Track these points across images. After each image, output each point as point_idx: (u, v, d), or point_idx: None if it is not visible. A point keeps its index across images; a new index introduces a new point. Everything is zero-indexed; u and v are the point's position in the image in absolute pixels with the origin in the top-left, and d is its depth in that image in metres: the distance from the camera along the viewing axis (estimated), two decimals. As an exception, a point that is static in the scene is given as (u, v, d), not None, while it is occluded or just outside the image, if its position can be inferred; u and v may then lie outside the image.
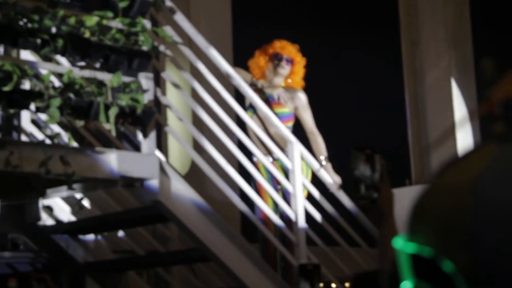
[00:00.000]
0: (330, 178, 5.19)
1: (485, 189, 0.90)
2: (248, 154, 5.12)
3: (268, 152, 5.25)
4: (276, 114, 5.25)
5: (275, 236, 5.00)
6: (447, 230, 0.90)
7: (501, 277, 0.87)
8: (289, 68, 5.42)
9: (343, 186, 5.17)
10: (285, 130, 5.09)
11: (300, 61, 5.46)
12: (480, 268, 0.88)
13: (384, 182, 2.21)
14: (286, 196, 5.12)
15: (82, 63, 4.15)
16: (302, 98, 5.40)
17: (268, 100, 5.37)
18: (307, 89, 5.52)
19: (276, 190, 5.17)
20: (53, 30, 3.97)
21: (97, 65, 4.21)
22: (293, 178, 5.02)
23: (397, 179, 7.45)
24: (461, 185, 0.92)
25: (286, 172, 5.14)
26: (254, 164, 5.22)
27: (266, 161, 5.08)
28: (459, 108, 7.78)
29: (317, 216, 5.06)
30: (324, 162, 5.25)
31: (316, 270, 3.14)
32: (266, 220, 5.08)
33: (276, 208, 5.13)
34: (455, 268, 0.89)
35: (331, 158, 5.39)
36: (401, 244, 0.95)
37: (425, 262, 0.92)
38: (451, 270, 0.90)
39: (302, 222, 4.95)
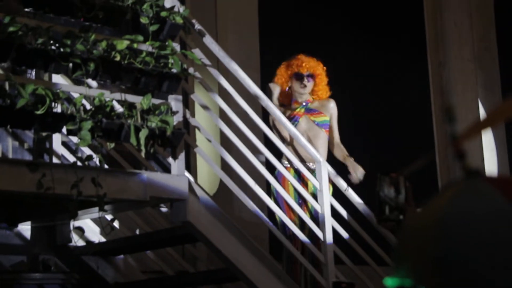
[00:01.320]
0: (354, 168, 5.23)
1: (449, 222, 1.00)
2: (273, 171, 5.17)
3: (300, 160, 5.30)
4: (317, 122, 5.34)
5: (302, 254, 5.02)
6: (420, 261, 1.01)
7: None
8: (312, 83, 5.47)
9: (371, 207, 5.19)
10: (313, 150, 5.13)
11: (322, 73, 5.49)
12: None
13: (409, 204, 2.24)
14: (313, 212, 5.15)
15: (113, 86, 4.23)
16: (334, 107, 5.47)
17: (309, 111, 5.43)
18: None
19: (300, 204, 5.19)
20: (85, 54, 4.05)
21: (128, 87, 4.28)
22: (321, 197, 5.05)
23: (424, 198, 7.43)
24: (429, 220, 1.03)
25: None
26: (280, 178, 5.25)
27: (295, 182, 5.11)
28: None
29: (345, 234, 5.08)
30: (349, 157, 5.31)
31: None
32: (294, 237, 5.10)
33: (302, 225, 5.15)
34: None
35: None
36: (388, 281, 1.06)
37: None
38: None
39: (330, 241, 4.97)
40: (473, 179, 1.09)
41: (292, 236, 5.11)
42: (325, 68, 5.53)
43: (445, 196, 1.07)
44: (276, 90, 5.45)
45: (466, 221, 1.00)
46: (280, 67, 5.53)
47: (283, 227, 5.11)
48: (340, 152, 5.44)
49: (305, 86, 5.41)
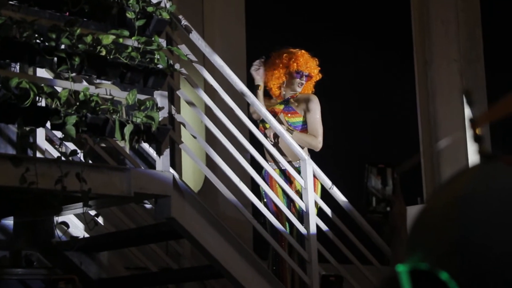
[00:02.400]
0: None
1: (468, 202, 0.97)
2: (260, 169, 5.15)
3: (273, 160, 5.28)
4: (290, 123, 5.32)
5: (289, 254, 5.01)
6: (439, 243, 0.97)
7: (490, 279, 0.93)
8: (305, 83, 5.49)
9: (356, 204, 5.19)
10: (298, 148, 5.12)
11: (317, 76, 5.51)
12: (470, 272, 0.95)
13: (396, 197, 2.23)
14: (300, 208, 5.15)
15: (99, 81, 4.21)
16: (314, 102, 5.43)
17: (287, 109, 5.41)
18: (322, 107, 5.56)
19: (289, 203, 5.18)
20: (70, 48, 4.02)
21: (113, 82, 4.26)
22: (306, 195, 5.04)
23: (409, 197, 7.45)
24: (448, 202, 1.00)
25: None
26: (267, 177, 5.24)
27: (280, 179, 5.10)
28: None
29: (330, 233, 5.08)
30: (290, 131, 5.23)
31: (338, 282, 3.15)
32: (281, 237, 5.09)
33: (291, 226, 5.14)
34: (449, 275, 0.96)
35: (343, 175, 5.40)
36: (400, 267, 1.02)
37: (423, 275, 0.98)
38: (446, 278, 0.96)
39: (314, 239, 4.97)
40: (490, 162, 1.07)
41: (280, 236, 5.10)
42: (320, 75, 5.55)
43: (463, 179, 1.04)
44: (259, 76, 5.40)
45: (486, 201, 0.98)
46: (280, 55, 5.48)
47: (271, 228, 5.10)
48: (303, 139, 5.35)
49: (302, 84, 5.44)
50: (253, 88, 5.39)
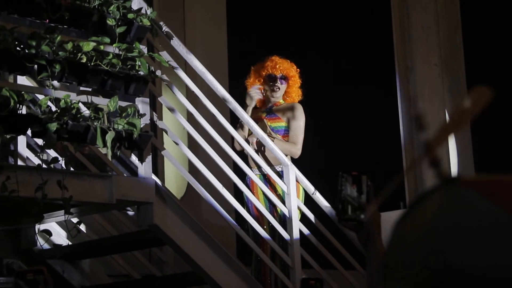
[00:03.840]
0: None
1: (439, 237, 0.96)
2: (243, 175, 5.15)
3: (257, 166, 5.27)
4: (272, 128, 5.32)
5: (272, 260, 5.01)
6: (415, 280, 0.97)
7: None
8: (285, 86, 5.43)
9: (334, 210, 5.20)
10: (280, 153, 5.12)
11: (295, 75, 5.46)
12: None
13: (371, 204, 2.24)
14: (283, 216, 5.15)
15: (79, 88, 4.19)
16: (297, 110, 5.40)
17: (270, 115, 5.41)
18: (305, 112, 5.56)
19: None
20: (50, 55, 4.01)
21: (94, 89, 4.25)
22: (289, 201, 5.05)
23: (392, 202, 7.47)
24: (418, 237, 0.98)
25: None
26: (249, 183, 5.23)
27: (262, 184, 5.11)
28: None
29: (313, 238, 5.08)
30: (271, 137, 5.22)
31: (318, 285, 3.15)
32: (263, 242, 5.09)
33: (273, 231, 5.14)
34: None
35: (325, 181, 5.41)
36: None
37: None
38: None
39: (297, 245, 4.97)
40: (453, 186, 1.04)
41: (261, 241, 5.09)
42: (298, 70, 5.51)
43: (430, 209, 1.02)
44: (254, 99, 5.38)
45: (459, 236, 0.96)
46: (253, 68, 5.49)
47: (254, 233, 5.09)
48: (282, 146, 5.33)
49: (278, 88, 5.37)
50: (234, 93, 5.39)
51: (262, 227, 5.06)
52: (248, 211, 5.13)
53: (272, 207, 5.21)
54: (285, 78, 5.38)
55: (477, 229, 0.96)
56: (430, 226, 0.98)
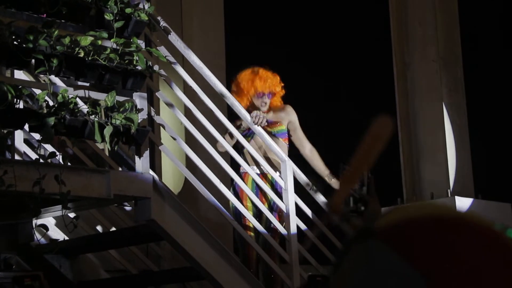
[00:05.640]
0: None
1: None
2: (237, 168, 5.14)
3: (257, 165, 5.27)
4: (274, 133, 5.30)
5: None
6: None
7: None
8: (270, 100, 5.48)
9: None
10: (278, 149, 5.12)
11: (280, 92, 5.50)
12: None
13: (371, 196, 2.24)
14: (273, 207, 5.15)
15: (77, 83, 4.19)
16: (291, 111, 5.44)
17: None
18: (297, 107, 5.56)
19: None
20: (48, 50, 4.00)
21: (92, 84, 4.24)
22: (286, 196, 5.04)
23: (389, 198, 7.47)
24: None
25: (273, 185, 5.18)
26: (241, 176, 5.21)
27: (256, 175, 5.10)
28: (449, 126, 7.84)
29: (310, 234, 5.08)
30: (331, 178, 5.28)
31: (325, 282, 3.15)
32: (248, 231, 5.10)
33: (259, 216, 5.14)
34: None
35: (322, 178, 5.41)
36: None
37: None
38: None
39: (295, 240, 4.97)
40: (368, 240, 1.03)
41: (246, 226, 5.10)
42: (282, 84, 5.52)
43: (352, 274, 1.01)
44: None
45: None
46: (241, 80, 5.44)
47: (237, 215, 5.08)
48: (321, 165, 5.38)
49: (265, 104, 5.41)
50: (230, 89, 5.38)
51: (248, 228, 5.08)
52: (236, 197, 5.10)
53: (261, 195, 5.18)
54: (272, 93, 5.42)
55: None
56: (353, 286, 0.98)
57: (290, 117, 5.43)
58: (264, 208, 5.01)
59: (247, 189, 5.01)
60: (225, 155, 5.00)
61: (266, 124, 5.24)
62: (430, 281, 0.94)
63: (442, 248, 0.97)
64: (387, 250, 0.98)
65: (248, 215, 4.98)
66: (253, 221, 4.97)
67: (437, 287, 0.94)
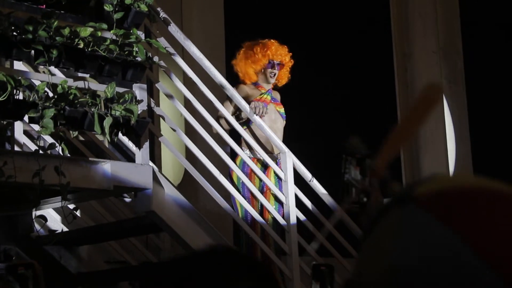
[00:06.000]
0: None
1: (397, 276, 0.92)
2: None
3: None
4: (281, 114, 5.35)
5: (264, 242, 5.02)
6: None
7: None
8: (278, 72, 5.48)
9: (335, 195, 5.19)
10: (278, 140, 5.12)
11: (289, 63, 5.50)
12: None
13: (374, 187, 2.23)
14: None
15: (77, 74, 4.18)
16: (278, 94, 5.52)
17: (273, 100, 5.43)
18: (297, 98, 5.57)
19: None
20: (47, 41, 3.99)
21: (92, 75, 4.24)
22: (286, 188, 5.04)
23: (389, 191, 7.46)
24: (377, 273, 0.94)
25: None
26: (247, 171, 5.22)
27: (258, 170, 5.10)
28: (449, 117, 7.84)
29: (310, 226, 5.08)
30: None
31: (329, 271, 3.14)
32: (255, 225, 5.10)
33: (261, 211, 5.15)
34: None
35: (322, 167, 5.41)
36: None
37: None
38: None
39: (294, 231, 4.97)
40: (406, 206, 0.97)
41: (252, 224, 5.10)
42: (292, 61, 5.53)
43: (384, 235, 0.96)
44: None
45: (413, 268, 0.92)
46: (253, 46, 5.46)
47: (245, 215, 5.09)
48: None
49: (275, 75, 5.42)
50: (231, 80, 5.37)
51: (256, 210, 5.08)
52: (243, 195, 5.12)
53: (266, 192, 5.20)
54: (281, 65, 5.43)
55: (431, 260, 0.91)
56: (387, 254, 0.94)
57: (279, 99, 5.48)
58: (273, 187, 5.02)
59: (256, 168, 5.03)
60: (224, 145, 4.99)
61: (267, 112, 5.25)
62: (473, 248, 0.91)
63: (486, 217, 0.94)
64: (426, 216, 0.93)
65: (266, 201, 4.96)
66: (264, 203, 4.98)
67: (481, 253, 0.90)
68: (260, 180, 5.14)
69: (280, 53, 5.43)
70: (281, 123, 5.41)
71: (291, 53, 5.53)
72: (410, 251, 0.91)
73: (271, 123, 5.31)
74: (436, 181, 0.98)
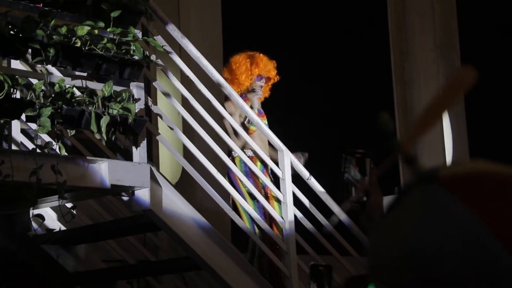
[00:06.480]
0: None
1: (417, 255, 0.91)
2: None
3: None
4: (266, 124, 5.33)
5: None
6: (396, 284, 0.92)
7: None
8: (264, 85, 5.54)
9: (333, 193, 5.19)
10: (275, 139, 5.12)
11: (275, 78, 5.55)
12: None
13: (373, 186, 2.23)
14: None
15: (74, 72, 4.17)
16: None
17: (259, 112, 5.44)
18: (295, 96, 5.57)
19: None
20: (44, 39, 3.98)
21: (89, 74, 4.23)
22: (284, 186, 5.04)
23: (387, 187, 7.47)
24: (396, 251, 0.93)
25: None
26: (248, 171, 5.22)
27: (258, 169, 5.10)
28: (447, 116, 7.84)
29: (308, 224, 5.08)
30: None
31: (327, 271, 3.14)
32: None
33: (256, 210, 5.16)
34: None
35: (319, 166, 5.41)
36: None
37: None
38: None
39: (292, 230, 4.97)
40: (429, 185, 0.96)
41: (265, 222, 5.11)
42: (278, 77, 5.57)
43: (406, 214, 0.95)
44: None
45: (437, 253, 0.90)
46: (242, 60, 5.47)
47: (250, 220, 5.10)
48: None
49: (261, 87, 5.49)
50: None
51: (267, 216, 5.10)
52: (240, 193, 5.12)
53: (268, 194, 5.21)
54: (268, 79, 5.49)
55: (451, 242, 0.90)
56: (405, 235, 0.93)
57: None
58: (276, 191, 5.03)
59: (257, 170, 5.03)
60: (222, 144, 4.98)
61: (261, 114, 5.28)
62: (491, 228, 0.90)
63: (508, 199, 0.93)
64: (450, 197, 0.92)
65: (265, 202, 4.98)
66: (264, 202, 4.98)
67: (502, 238, 0.90)
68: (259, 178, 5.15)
69: (269, 68, 5.49)
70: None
71: (276, 70, 5.56)
72: (431, 232, 0.90)
73: (260, 136, 5.31)
74: (461, 165, 0.97)
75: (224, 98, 5.40)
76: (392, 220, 0.96)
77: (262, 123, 5.13)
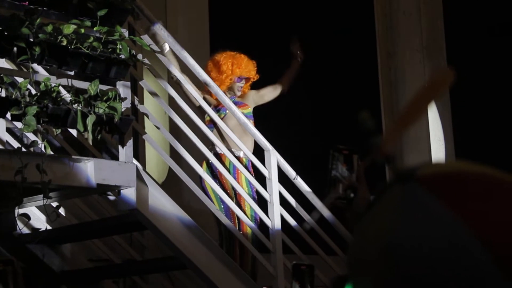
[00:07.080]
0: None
1: (396, 253, 0.91)
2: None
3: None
4: (245, 114, 5.32)
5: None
6: (377, 281, 0.93)
7: None
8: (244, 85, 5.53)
9: (320, 191, 5.19)
10: (262, 138, 5.12)
11: (254, 78, 5.55)
12: None
13: (361, 183, 2.23)
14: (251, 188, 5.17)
15: (60, 71, 4.15)
16: (254, 91, 5.53)
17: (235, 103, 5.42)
18: (281, 96, 5.58)
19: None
20: (30, 38, 3.96)
21: (75, 73, 4.21)
22: (270, 185, 5.04)
23: (373, 186, 7.48)
24: (374, 251, 0.94)
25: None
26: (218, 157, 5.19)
27: (243, 168, 5.10)
28: (433, 116, 7.87)
29: (294, 223, 5.08)
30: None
31: (309, 270, 3.14)
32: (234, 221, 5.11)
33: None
34: None
35: (306, 165, 5.41)
36: None
37: None
38: None
39: (278, 229, 4.97)
40: (408, 184, 0.97)
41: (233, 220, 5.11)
42: (257, 76, 5.57)
43: (385, 212, 0.96)
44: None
45: (416, 250, 0.91)
46: (224, 60, 5.45)
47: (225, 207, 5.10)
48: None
49: (241, 88, 5.48)
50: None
51: (242, 209, 5.08)
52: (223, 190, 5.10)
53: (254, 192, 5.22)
54: (248, 79, 5.49)
55: (429, 238, 0.91)
56: (385, 231, 0.93)
57: (252, 94, 5.50)
58: (244, 194, 5.02)
59: (226, 172, 5.00)
60: (208, 143, 4.97)
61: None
62: (471, 228, 0.90)
63: (487, 201, 0.93)
64: (428, 195, 0.93)
65: (232, 204, 4.98)
66: (235, 209, 4.98)
67: (479, 234, 0.90)
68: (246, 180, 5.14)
69: (249, 68, 5.48)
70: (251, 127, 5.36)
71: (256, 69, 5.56)
72: (409, 229, 0.91)
73: (242, 130, 5.28)
74: (442, 165, 0.98)
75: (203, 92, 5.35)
76: (372, 217, 0.97)
77: (249, 122, 5.12)
